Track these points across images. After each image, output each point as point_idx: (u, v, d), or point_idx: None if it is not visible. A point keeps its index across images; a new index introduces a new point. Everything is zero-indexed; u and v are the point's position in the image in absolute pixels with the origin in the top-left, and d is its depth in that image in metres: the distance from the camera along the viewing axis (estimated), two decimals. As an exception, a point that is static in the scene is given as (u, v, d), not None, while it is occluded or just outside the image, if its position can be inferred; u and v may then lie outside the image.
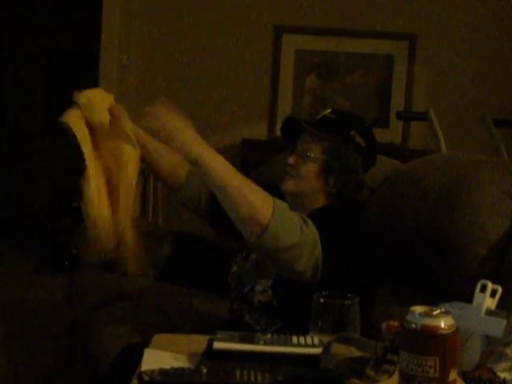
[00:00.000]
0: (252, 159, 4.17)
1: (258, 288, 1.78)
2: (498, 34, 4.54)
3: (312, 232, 1.58)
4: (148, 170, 1.94)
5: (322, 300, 1.28)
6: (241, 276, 1.87)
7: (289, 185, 1.84)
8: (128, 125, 1.65)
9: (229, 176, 1.52)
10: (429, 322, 1.07)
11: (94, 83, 4.54)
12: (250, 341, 1.23)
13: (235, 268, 1.90)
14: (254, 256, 1.88)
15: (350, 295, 1.28)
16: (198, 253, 2.81)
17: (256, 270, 1.82)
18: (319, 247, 1.58)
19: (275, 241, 1.53)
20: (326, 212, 1.80)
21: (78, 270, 2.94)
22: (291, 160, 1.85)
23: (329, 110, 1.93)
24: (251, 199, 1.51)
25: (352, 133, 1.85)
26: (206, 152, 1.52)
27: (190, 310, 2.26)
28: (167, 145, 1.57)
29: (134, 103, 4.58)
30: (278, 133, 4.61)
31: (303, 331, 1.32)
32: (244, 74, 4.61)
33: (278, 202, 1.56)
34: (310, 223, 1.59)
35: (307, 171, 1.83)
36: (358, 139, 1.85)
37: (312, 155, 1.83)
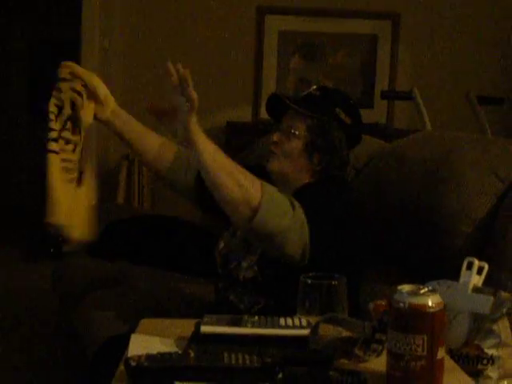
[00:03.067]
0: (237, 142, 4.16)
1: (244, 264, 1.78)
2: (481, 11, 4.53)
3: (300, 214, 1.58)
4: (134, 155, 1.95)
5: (309, 281, 1.27)
6: (227, 252, 1.87)
7: (274, 163, 1.84)
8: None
9: (220, 160, 1.54)
10: (416, 300, 1.07)
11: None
12: (238, 324, 1.22)
13: (222, 245, 1.90)
14: (239, 232, 1.87)
15: (337, 275, 1.28)
16: (184, 237, 2.80)
17: (243, 247, 1.82)
18: (307, 229, 1.58)
19: (266, 224, 1.53)
20: (311, 190, 1.79)
21: (64, 256, 2.93)
22: (275, 137, 1.84)
23: (314, 87, 1.91)
24: (242, 182, 1.53)
25: (337, 110, 1.84)
26: (202, 137, 1.53)
27: (177, 294, 2.26)
28: (170, 118, 1.58)
29: (116, 87, 4.55)
30: (263, 115, 4.60)
31: (289, 308, 1.32)
32: (227, 57, 4.58)
33: (267, 185, 1.57)
34: (297, 205, 1.59)
35: (291, 148, 1.82)
36: (343, 116, 1.84)
37: (296, 132, 1.82)
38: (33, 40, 6.61)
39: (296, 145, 1.81)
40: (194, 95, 1.51)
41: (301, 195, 1.67)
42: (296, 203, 1.59)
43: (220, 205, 1.57)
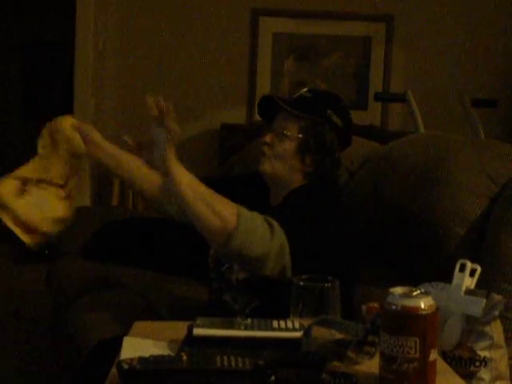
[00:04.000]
0: (231, 144, 4.16)
1: (236, 266, 1.79)
2: (475, 14, 4.54)
3: (279, 239, 1.59)
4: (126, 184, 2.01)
5: (301, 283, 1.27)
6: (219, 256, 1.87)
7: (266, 165, 1.84)
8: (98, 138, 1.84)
9: (196, 189, 1.58)
10: (409, 302, 1.07)
11: (69, 70, 4.49)
12: (231, 326, 1.22)
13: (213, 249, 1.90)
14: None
15: (330, 278, 1.28)
16: (177, 238, 2.80)
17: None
18: (287, 253, 1.60)
19: (241, 249, 1.56)
20: (304, 192, 1.80)
21: (59, 258, 2.92)
22: (267, 139, 1.85)
23: (305, 89, 1.92)
24: (217, 210, 1.56)
25: (328, 112, 1.85)
26: (178, 167, 1.58)
27: (170, 295, 2.26)
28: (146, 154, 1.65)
29: (110, 90, 4.55)
30: (257, 117, 4.58)
31: (281, 309, 1.32)
32: (222, 58, 4.58)
33: (244, 210, 1.59)
34: (277, 229, 1.59)
35: (283, 150, 1.82)
36: (335, 118, 1.85)
37: (288, 134, 1.82)
38: (27, 40, 6.60)
39: (288, 146, 1.82)
40: (175, 127, 1.56)
41: (294, 199, 1.67)
42: (275, 224, 1.60)
43: (197, 230, 1.60)
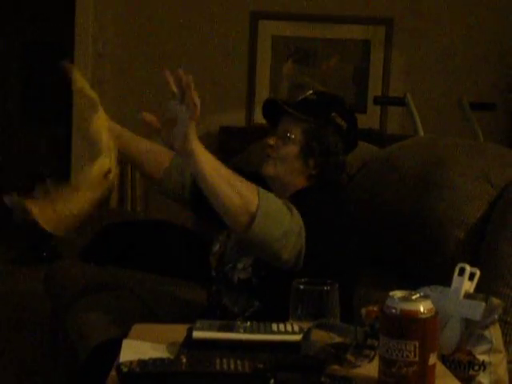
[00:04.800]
0: (230, 146, 4.16)
1: (239, 265, 1.78)
2: (474, 17, 4.55)
3: (298, 219, 1.58)
4: (129, 163, 1.95)
5: (301, 286, 1.27)
6: (223, 254, 1.87)
7: (269, 167, 1.84)
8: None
9: (218, 168, 1.52)
10: (408, 306, 1.07)
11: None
12: (230, 329, 1.22)
13: (217, 247, 1.90)
14: (233, 236, 1.87)
15: (329, 281, 1.28)
16: (177, 241, 2.80)
17: (238, 248, 1.82)
18: (304, 234, 1.58)
19: (264, 230, 1.53)
20: (307, 194, 1.80)
21: (57, 260, 2.92)
22: (271, 141, 1.84)
23: (310, 92, 1.92)
24: (240, 190, 1.52)
25: (333, 114, 1.84)
26: (200, 147, 1.51)
27: (170, 298, 2.26)
28: (164, 133, 1.55)
29: (110, 91, 4.55)
30: (257, 120, 4.61)
31: (282, 312, 1.32)
32: (221, 61, 4.58)
33: (263, 191, 1.56)
34: (295, 210, 1.59)
35: (287, 153, 1.82)
36: (339, 121, 1.84)
37: (292, 136, 1.82)
38: (26, 42, 6.60)
39: (292, 149, 1.82)
40: (197, 101, 1.48)
41: (296, 201, 1.67)
42: (293, 208, 1.59)
43: (219, 212, 1.55)
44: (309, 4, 4.56)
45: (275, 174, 1.83)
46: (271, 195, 1.58)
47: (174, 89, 1.47)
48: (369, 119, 4.55)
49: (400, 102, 3.69)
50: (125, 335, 1.35)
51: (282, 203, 1.59)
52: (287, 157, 1.82)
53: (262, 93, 4.59)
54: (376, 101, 3.98)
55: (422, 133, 3.46)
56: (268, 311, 1.65)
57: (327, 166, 1.82)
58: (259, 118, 4.42)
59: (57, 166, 5.47)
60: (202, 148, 1.51)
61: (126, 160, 1.87)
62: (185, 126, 1.48)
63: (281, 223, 1.55)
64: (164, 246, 2.76)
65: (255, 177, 1.79)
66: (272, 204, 1.55)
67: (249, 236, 1.53)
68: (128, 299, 2.28)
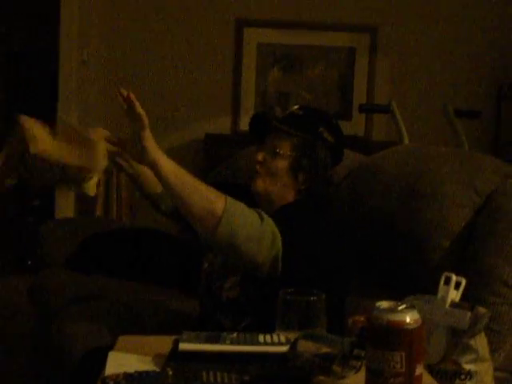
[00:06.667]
0: (216, 154, 4.16)
1: (227, 285, 1.78)
2: (458, 24, 4.58)
3: (269, 225, 1.59)
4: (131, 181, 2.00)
5: (287, 297, 1.27)
6: (211, 273, 1.86)
7: (259, 183, 1.84)
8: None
9: (182, 175, 1.56)
10: (394, 317, 1.07)
11: (54, 79, 4.48)
12: (216, 341, 1.22)
13: (206, 265, 1.89)
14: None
15: (315, 291, 1.28)
16: (163, 250, 2.79)
17: (225, 267, 1.81)
18: (278, 240, 1.59)
19: (231, 233, 1.54)
20: (293, 207, 1.80)
21: (42, 269, 2.90)
22: (260, 157, 1.84)
23: (296, 107, 1.92)
24: (205, 194, 1.55)
25: (321, 129, 1.85)
26: (161, 156, 1.57)
27: (158, 308, 2.24)
28: (130, 149, 1.63)
29: (95, 99, 4.53)
30: (242, 127, 4.61)
31: (272, 328, 1.31)
32: (206, 69, 4.58)
33: (231, 198, 1.58)
34: (266, 216, 1.60)
35: (277, 168, 1.82)
36: (326, 135, 1.85)
37: (281, 152, 1.82)
38: (11, 49, 6.56)
39: (281, 164, 1.82)
40: (141, 111, 1.54)
41: (282, 214, 1.67)
42: (264, 215, 1.60)
43: (186, 218, 1.58)
44: (294, 11, 4.57)
45: (265, 189, 1.83)
46: (239, 202, 1.59)
47: (124, 105, 1.57)
48: (354, 126, 4.56)
49: (385, 109, 3.71)
50: (110, 344, 1.35)
51: (253, 210, 1.60)
52: (276, 172, 1.82)
53: (248, 100, 4.59)
54: (361, 109, 4.00)
55: (407, 140, 3.48)
56: (259, 325, 1.65)
57: (316, 181, 1.83)
58: (244, 125, 4.42)
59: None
60: (163, 157, 1.56)
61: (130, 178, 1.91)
62: (140, 139, 1.55)
63: (250, 226, 1.56)
64: (150, 254, 2.75)
65: (243, 191, 1.80)
66: (238, 209, 1.57)
67: (216, 239, 1.55)
68: (113, 308, 2.27)
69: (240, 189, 1.88)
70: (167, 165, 1.56)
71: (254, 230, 1.56)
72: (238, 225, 1.54)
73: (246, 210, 1.58)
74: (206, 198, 1.54)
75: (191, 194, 1.54)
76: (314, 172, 1.82)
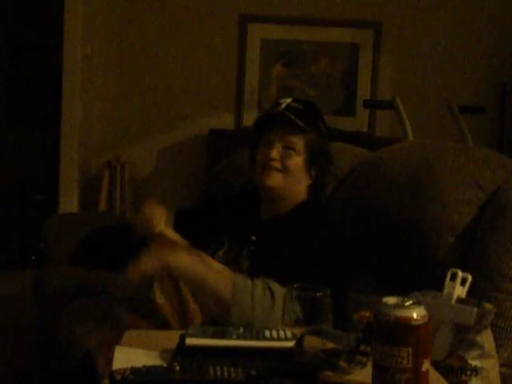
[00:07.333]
0: (219, 149, 4.16)
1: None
2: (463, 20, 4.57)
3: (280, 302, 1.55)
4: None
5: (293, 292, 1.27)
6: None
7: (277, 179, 1.83)
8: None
9: (192, 273, 1.61)
10: (401, 313, 1.07)
11: (57, 75, 4.48)
12: (223, 336, 1.22)
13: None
14: (220, 252, 1.87)
15: (321, 287, 1.28)
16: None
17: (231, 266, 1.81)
18: (291, 309, 1.59)
19: (242, 314, 1.56)
20: (308, 210, 1.83)
21: (45, 265, 2.91)
22: (275, 154, 1.83)
23: (289, 100, 1.89)
24: (212, 285, 1.59)
25: (320, 123, 1.86)
26: (172, 258, 1.62)
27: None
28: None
29: (99, 95, 4.53)
30: (245, 123, 4.61)
31: None
32: (210, 64, 4.58)
33: (241, 282, 1.59)
34: (278, 293, 1.57)
35: (294, 164, 1.83)
36: (323, 128, 1.88)
37: (297, 148, 1.83)
38: (14, 44, 6.56)
39: (298, 160, 1.83)
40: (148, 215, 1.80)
41: (300, 217, 1.70)
42: (275, 289, 1.58)
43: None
44: (298, 7, 4.56)
45: (282, 185, 1.83)
46: (250, 285, 1.59)
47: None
48: (357, 122, 4.55)
49: (389, 105, 3.70)
50: (116, 340, 1.35)
51: (261, 287, 1.59)
52: (295, 168, 1.83)
53: (251, 96, 4.59)
54: (365, 104, 3.99)
55: (411, 136, 3.47)
56: None
57: (323, 176, 1.85)
58: (248, 120, 4.42)
59: (46, 167, 5.45)
60: (175, 257, 1.61)
61: None
62: (153, 257, 1.62)
63: (260, 315, 1.56)
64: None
65: (238, 197, 1.81)
66: (247, 299, 1.57)
67: (231, 320, 1.57)
68: (118, 304, 2.27)
69: (245, 196, 1.90)
70: (181, 266, 1.61)
71: (264, 316, 1.57)
72: (249, 314, 1.56)
73: (253, 288, 1.59)
74: (214, 289, 1.58)
75: (201, 289, 1.62)
76: (325, 167, 1.84)
